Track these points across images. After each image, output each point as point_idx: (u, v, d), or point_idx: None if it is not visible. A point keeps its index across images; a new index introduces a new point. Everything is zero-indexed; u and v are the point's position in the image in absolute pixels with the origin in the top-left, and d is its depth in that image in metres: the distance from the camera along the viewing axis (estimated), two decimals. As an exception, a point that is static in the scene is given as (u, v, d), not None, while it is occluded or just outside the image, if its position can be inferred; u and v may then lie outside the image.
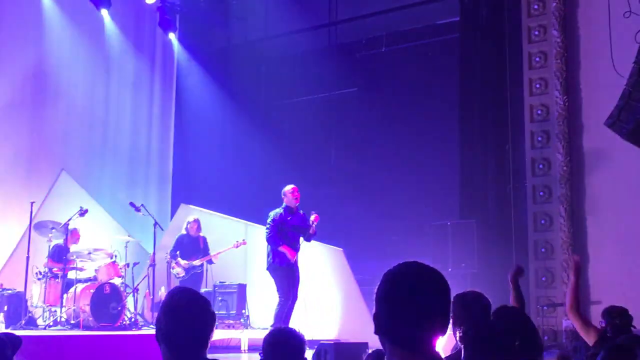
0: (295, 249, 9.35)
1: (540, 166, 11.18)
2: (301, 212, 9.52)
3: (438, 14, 13.05)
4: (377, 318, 2.24)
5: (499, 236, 11.41)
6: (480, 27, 12.17)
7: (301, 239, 9.50)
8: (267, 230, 9.33)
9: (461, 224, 11.39)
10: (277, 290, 9.24)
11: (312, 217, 9.41)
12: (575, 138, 11.02)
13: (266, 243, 9.39)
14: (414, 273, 2.25)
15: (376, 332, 2.26)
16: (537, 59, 11.36)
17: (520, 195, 11.39)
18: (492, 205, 11.67)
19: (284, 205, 9.41)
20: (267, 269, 9.34)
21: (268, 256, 9.32)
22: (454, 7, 12.54)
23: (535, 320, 10.69)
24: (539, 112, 11.27)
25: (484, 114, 11.95)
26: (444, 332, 2.24)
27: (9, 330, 8.33)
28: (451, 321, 3.50)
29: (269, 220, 9.34)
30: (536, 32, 11.40)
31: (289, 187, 9.48)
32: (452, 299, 2.74)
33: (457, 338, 4.19)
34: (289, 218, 9.34)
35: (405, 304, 2.19)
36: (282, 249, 9.21)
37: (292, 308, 9.18)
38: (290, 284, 9.21)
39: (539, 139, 11.24)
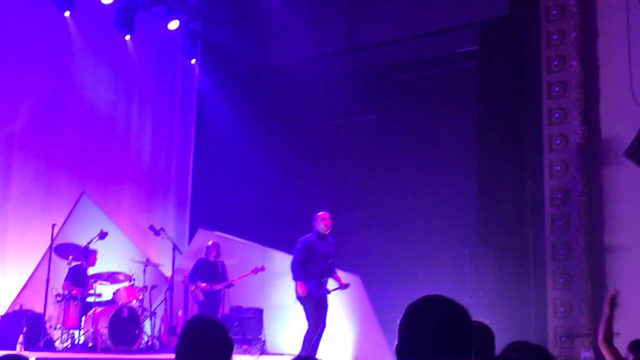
0: (324, 278, 9.30)
1: (559, 195, 11.14)
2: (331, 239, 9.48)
3: (457, 43, 13.07)
4: (400, 351, 2.27)
5: (517, 265, 11.33)
6: (499, 56, 12.19)
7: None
8: (293, 256, 9.29)
9: (479, 252, 11.29)
10: (307, 319, 9.17)
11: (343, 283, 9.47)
12: (594, 168, 10.99)
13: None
14: (438, 307, 2.27)
15: (398, 365, 2.28)
16: (556, 88, 11.37)
17: (539, 224, 11.33)
18: (510, 234, 11.59)
19: (314, 231, 9.37)
20: (297, 298, 9.28)
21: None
22: (473, 35, 12.58)
23: (553, 351, 10.61)
24: (558, 141, 11.26)
25: (502, 143, 11.90)
26: (467, 366, 2.26)
27: (26, 353, 8.38)
28: None
29: (298, 247, 9.29)
30: (555, 62, 11.41)
31: (320, 213, 9.42)
32: None
33: None
34: (319, 245, 9.27)
35: (429, 338, 2.21)
36: (298, 284, 9.15)
37: (321, 335, 9.14)
38: (319, 313, 9.14)
39: (558, 168, 11.21)
